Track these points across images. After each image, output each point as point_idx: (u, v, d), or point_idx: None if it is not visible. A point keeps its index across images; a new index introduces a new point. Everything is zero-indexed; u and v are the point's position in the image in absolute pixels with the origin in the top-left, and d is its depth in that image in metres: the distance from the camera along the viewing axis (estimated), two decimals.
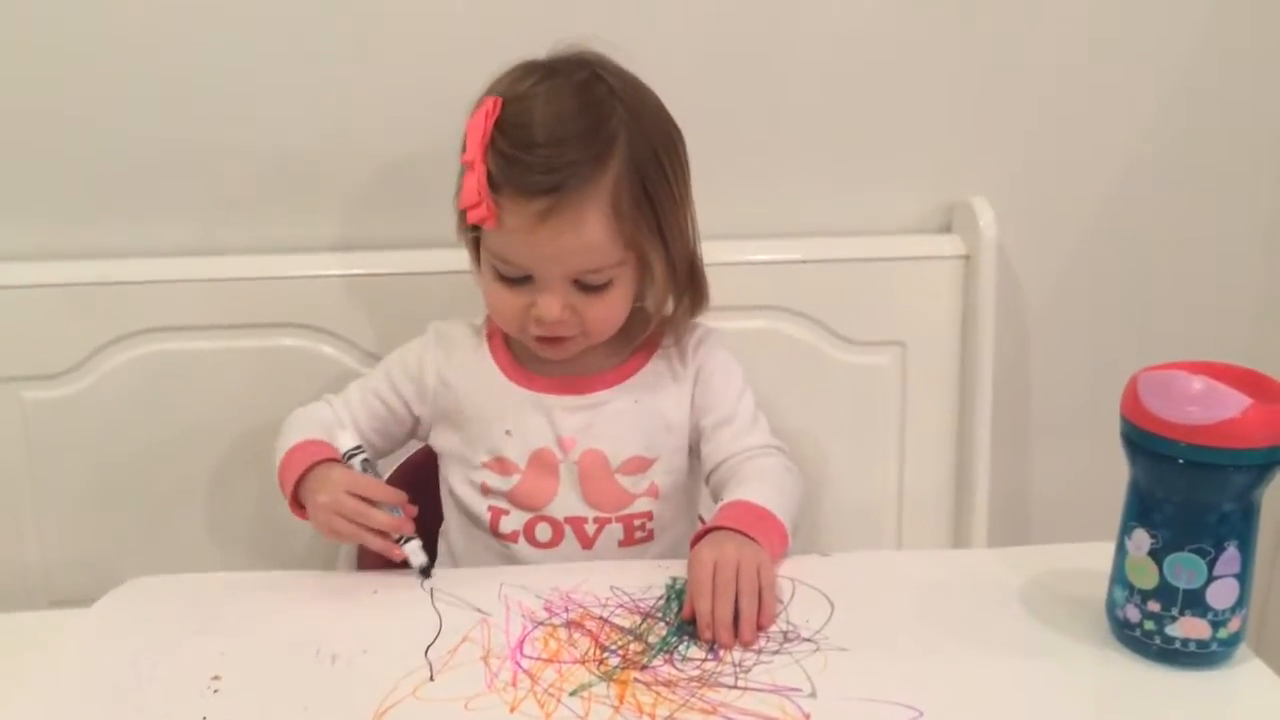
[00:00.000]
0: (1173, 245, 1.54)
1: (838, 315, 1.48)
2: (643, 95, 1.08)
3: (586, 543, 1.13)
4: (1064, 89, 1.47)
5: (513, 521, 1.14)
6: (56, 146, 1.39)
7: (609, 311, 1.09)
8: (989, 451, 1.49)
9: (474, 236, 1.09)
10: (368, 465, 1.08)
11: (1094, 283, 1.54)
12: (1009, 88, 1.46)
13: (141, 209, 1.42)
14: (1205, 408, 0.82)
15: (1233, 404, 0.82)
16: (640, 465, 1.14)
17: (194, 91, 1.39)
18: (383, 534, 1.02)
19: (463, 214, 1.06)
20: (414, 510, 1.06)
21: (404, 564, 1.03)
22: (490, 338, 1.18)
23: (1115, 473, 0.92)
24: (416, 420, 1.19)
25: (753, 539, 0.99)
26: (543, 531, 1.13)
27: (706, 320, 1.19)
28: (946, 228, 1.50)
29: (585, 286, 1.06)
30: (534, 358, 1.15)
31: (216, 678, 0.87)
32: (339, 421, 1.16)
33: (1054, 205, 1.51)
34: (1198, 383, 0.83)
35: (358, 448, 1.08)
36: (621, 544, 1.14)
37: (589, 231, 1.03)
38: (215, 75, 1.38)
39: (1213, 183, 1.52)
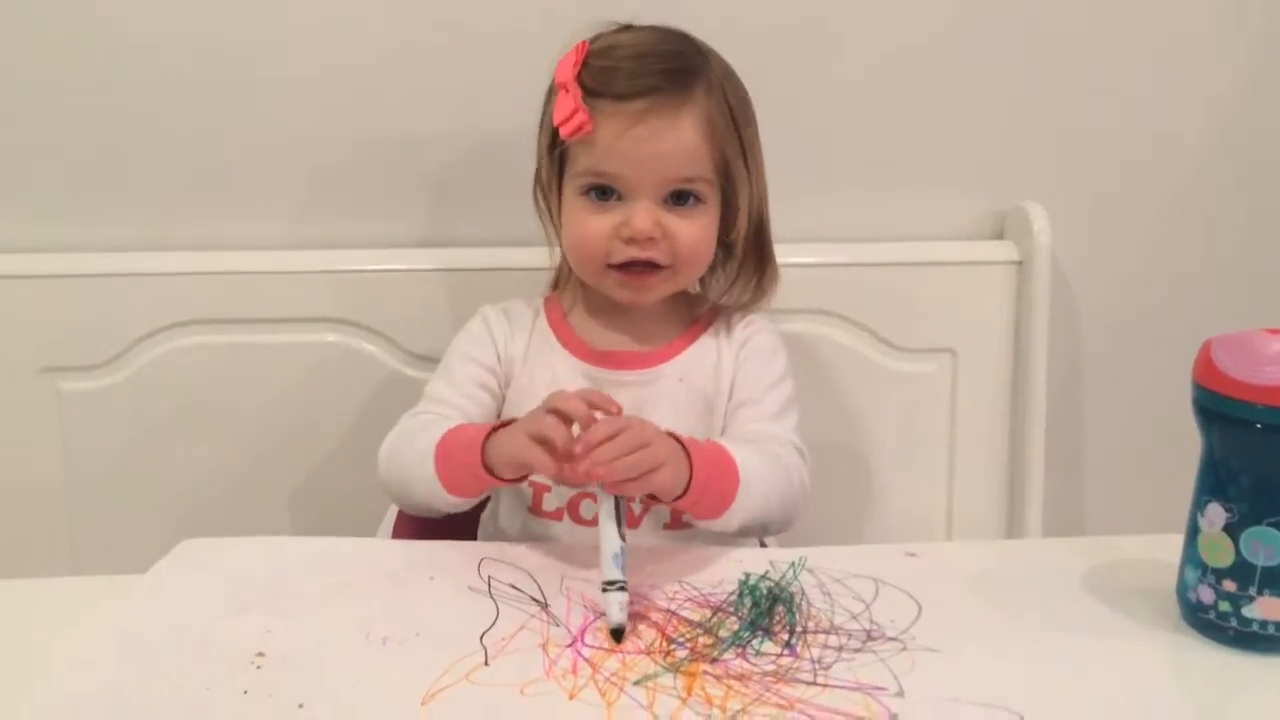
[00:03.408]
0: (1230, 251, 1.50)
1: (887, 321, 1.45)
2: (727, 64, 1.12)
3: (632, 522, 1.10)
4: (1119, 93, 1.45)
5: (556, 498, 1.11)
6: (94, 143, 1.39)
7: (699, 235, 1.08)
8: (1042, 463, 1.45)
9: (556, 169, 1.11)
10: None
11: (1149, 290, 1.51)
12: (1063, 91, 1.44)
13: (186, 204, 1.42)
14: None
15: None
16: None
17: (239, 88, 1.39)
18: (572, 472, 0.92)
19: (549, 145, 1.10)
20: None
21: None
22: (548, 311, 1.18)
23: (1175, 486, 0.89)
24: (503, 400, 1.16)
25: (693, 469, 0.95)
26: (587, 509, 1.10)
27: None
28: (999, 233, 1.47)
29: (677, 202, 1.07)
30: (590, 331, 1.14)
31: (261, 654, 0.84)
32: None
33: (1109, 211, 1.48)
34: (1276, 343, 0.79)
35: None
36: (667, 526, 1.10)
37: (686, 134, 1.05)
38: (262, 70, 1.38)
39: (1273, 187, 1.49)
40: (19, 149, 1.40)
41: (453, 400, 1.12)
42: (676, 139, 1.05)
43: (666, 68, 1.05)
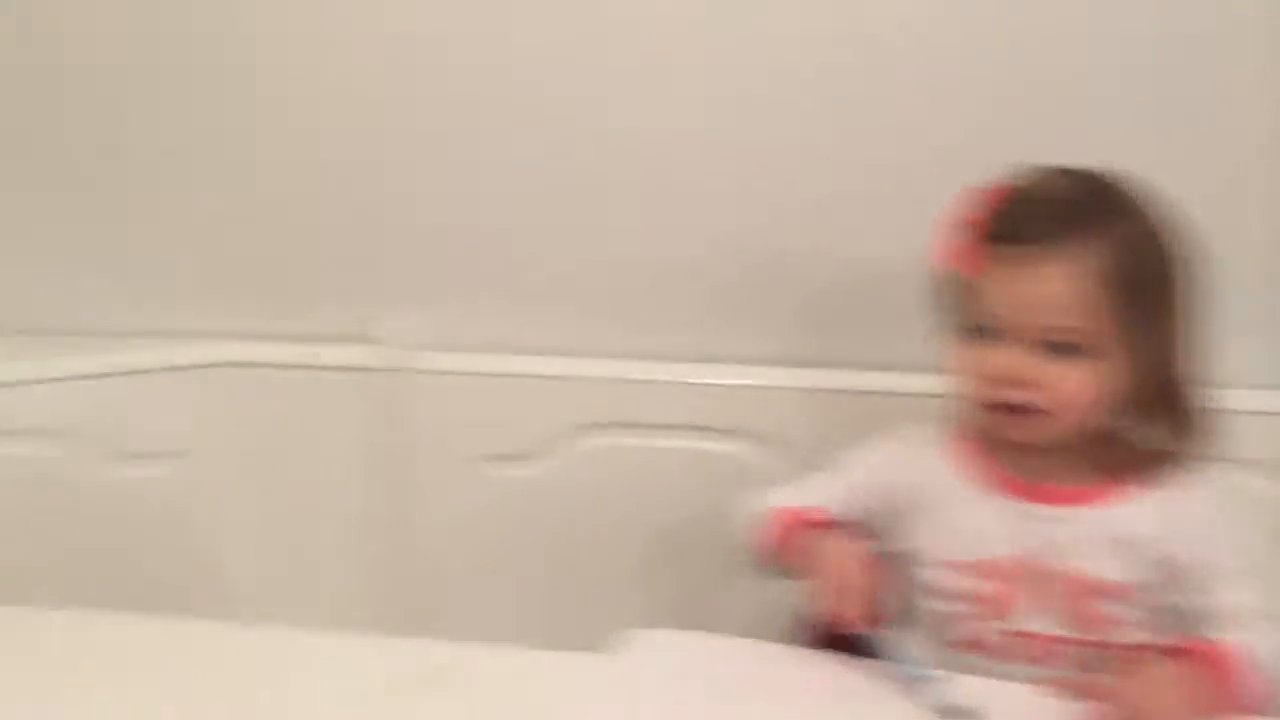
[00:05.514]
0: None
1: None
2: (1159, 209, 1.09)
3: (1058, 661, 1.11)
4: None
5: (971, 629, 1.13)
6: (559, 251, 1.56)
7: (1073, 386, 1.06)
8: None
9: (950, 304, 1.13)
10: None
11: None
12: None
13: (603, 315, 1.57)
14: None
15: None
16: (1117, 591, 1.10)
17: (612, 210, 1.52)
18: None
19: (944, 287, 1.13)
20: None
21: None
22: (959, 441, 1.17)
23: None
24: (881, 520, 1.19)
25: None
26: (1007, 643, 1.11)
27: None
28: None
29: (1053, 348, 1.06)
30: (1003, 463, 1.14)
31: None
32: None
33: None
34: None
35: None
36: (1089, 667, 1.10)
37: (1054, 284, 1.04)
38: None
39: None
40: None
41: (829, 488, 1.19)
42: (1041, 288, 1.04)
43: (1051, 214, 1.06)
